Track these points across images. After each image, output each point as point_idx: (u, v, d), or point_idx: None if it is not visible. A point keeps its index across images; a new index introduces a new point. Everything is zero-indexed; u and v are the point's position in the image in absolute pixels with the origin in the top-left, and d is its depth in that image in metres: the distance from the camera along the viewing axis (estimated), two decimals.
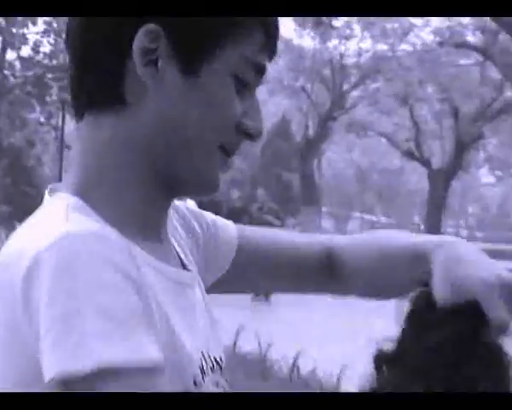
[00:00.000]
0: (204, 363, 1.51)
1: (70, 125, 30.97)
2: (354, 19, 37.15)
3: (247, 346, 13.46)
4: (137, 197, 1.50)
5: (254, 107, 1.54)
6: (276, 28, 1.56)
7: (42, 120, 39.53)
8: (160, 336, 1.33)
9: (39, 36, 37.64)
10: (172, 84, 1.44)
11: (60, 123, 31.72)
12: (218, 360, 1.58)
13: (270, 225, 21.91)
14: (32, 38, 37.96)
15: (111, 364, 1.21)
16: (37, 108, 38.74)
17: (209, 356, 1.54)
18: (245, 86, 1.51)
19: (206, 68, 1.45)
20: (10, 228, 28.61)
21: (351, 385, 10.00)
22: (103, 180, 1.46)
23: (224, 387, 1.59)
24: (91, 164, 1.46)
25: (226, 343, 13.79)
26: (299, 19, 31.62)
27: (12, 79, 38.81)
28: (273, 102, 42.51)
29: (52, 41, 37.27)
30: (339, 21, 35.80)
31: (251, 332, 13.38)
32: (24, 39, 37.72)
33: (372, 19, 36.59)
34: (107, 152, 1.46)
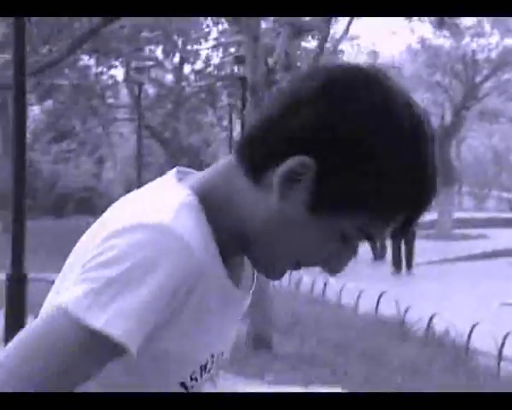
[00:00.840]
0: (210, 362, 1.49)
1: (237, 125, 32.06)
2: (484, 18, 35.96)
3: (388, 311, 13.32)
4: (232, 237, 1.48)
5: (346, 254, 1.45)
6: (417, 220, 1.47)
7: (214, 122, 41.25)
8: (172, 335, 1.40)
9: (209, 51, 38.99)
10: (293, 207, 1.40)
11: (228, 124, 32.49)
12: (221, 356, 1.55)
13: None
14: (203, 53, 39.41)
15: (103, 332, 1.29)
16: (210, 113, 40.50)
17: (219, 356, 1.53)
18: (348, 241, 1.45)
19: (325, 218, 1.39)
20: None
21: (479, 343, 9.92)
22: (221, 206, 1.44)
23: (214, 378, 1.55)
24: (219, 189, 1.46)
25: (368, 309, 13.72)
26: (436, 21, 28.81)
27: (188, 89, 40.54)
28: (414, 97, 42.28)
29: (220, 55, 38.48)
30: (471, 20, 34.77)
31: (391, 301, 13.23)
32: (197, 55, 39.35)
33: (501, 17, 35.27)
34: (229, 193, 1.46)
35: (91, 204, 37.48)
